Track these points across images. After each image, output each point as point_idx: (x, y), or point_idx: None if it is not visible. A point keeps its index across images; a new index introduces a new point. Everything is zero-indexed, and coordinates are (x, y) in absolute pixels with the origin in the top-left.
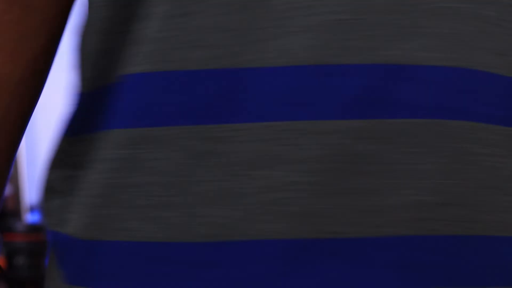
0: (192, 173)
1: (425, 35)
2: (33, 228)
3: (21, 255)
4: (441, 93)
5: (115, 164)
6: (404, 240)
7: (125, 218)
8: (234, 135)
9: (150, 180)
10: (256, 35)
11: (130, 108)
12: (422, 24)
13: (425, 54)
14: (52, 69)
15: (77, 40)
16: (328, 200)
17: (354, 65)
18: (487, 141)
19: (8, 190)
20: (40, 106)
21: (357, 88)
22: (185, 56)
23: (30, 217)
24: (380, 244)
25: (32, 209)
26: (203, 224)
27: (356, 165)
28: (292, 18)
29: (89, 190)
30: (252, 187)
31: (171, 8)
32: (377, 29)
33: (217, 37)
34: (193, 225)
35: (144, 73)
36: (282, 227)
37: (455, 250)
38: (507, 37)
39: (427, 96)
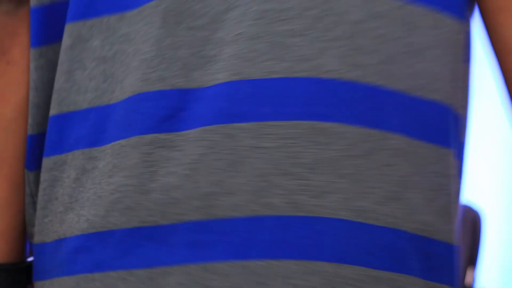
0: (82, 184)
1: (213, 62)
2: None
3: None
4: (227, 103)
5: (44, 184)
6: (195, 223)
7: (56, 221)
8: (102, 153)
9: (63, 192)
10: (112, 79)
11: (49, 142)
12: (211, 53)
13: (210, 77)
14: None
15: None
16: (142, 197)
17: (155, 92)
18: (277, 135)
19: None
20: None
21: (158, 109)
22: (74, 99)
23: None
24: (179, 228)
25: None
26: (83, 221)
27: (160, 168)
28: (128, 63)
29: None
30: (106, 190)
31: (65, 66)
32: (174, 62)
33: (92, 83)
34: (79, 222)
35: (53, 115)
36: (121, 220)
37: (235, 229)
38: (315, 44)
39: (215, 108)
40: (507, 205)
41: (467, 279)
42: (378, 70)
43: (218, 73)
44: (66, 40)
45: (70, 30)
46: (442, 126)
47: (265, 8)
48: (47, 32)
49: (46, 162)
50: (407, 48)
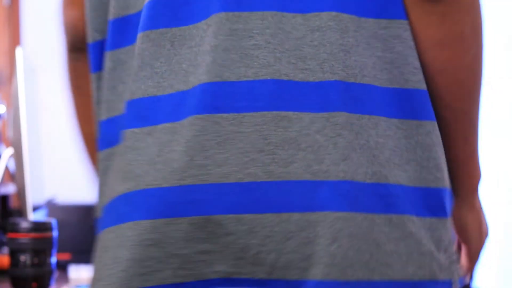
0: (118, 166)
1: (199, 67)
2: (37, 226)
3: (25, 253)
4: (212, 98)
5: (101, 172)
6: (192, 186)
7: (105, 198)
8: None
9: (111, 176)
10: (121, 89)
11: (101, 139)
12: (199, 61)
13: (198, 78)
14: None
15: None
16: (149, 167)
17: (167, 95)
18: (251, 123)
19: (12, 188)
20: (44, 108)
21: (168, 106)
22: (113, 108)
23: (34, 215)
24: (178, 189)
25: (35, 207)
26: (110, 191)
27: (165, 147)
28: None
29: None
30: (123, 165)
31: (111, 83)
32: (180, 72)
33: (115, 94)
34: (108, 193)
35: (101, 120)
36: (131, 184)
37: (226, 191)
38: (272, 54)
39: (203, 102)
40: (506, 205)
41: (465, 279)
42: (320, 69)
43: (203, 74)
44: (108, 64)
45: (111, 56)
46: (374, 101)
47: (234, 27)
48: (101, 60)
49: (100, 153)
50: (340, 48)
